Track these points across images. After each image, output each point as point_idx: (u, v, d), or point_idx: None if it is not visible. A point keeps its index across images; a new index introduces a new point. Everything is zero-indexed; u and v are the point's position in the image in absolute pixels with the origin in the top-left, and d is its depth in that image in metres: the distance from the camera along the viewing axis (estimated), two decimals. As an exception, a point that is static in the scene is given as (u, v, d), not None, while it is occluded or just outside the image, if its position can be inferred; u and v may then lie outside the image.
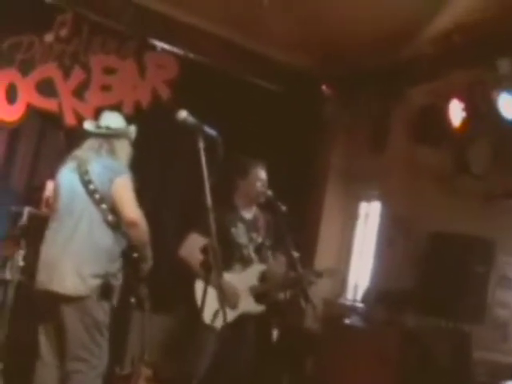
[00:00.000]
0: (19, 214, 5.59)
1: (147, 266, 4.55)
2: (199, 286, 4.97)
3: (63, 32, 6.34)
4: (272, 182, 5.72)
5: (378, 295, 6.22)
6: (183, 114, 3.78)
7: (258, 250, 5.22)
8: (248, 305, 5.09)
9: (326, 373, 5.76)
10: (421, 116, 6.49)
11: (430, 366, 5.52)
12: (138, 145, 4.82)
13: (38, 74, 6.28)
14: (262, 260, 5.23)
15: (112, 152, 4.55)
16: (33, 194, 6.06)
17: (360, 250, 7.13)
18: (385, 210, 6.69)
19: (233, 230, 5.11)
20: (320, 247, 7.09)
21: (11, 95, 6.19)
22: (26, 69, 6.24)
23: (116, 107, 6.37)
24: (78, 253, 4.29)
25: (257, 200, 5.21)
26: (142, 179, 5.97)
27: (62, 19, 6.37)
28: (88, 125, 4.66)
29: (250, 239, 5.18)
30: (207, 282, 3.83)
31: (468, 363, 5.71)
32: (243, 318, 5.05)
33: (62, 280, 4.25)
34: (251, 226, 5.23)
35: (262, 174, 5.20)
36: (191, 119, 3.77)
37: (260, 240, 5.24)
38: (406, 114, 6.61)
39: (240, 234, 5.14)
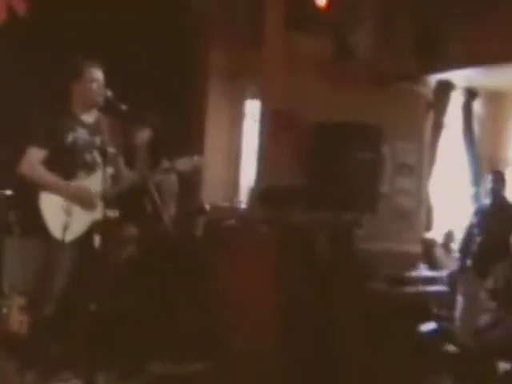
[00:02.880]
0: None
1: None
2: (44, 199, 4.71)
3: None
4: (148, 85, 5.45)
5: (262, 194, 5.96)
6: None
7: (103, 153, 4.91)
8: (99, 212, 4.82)
9: (207, 278, 5.51)
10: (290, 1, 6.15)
11: (312, 260, 5.27)
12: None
13: None
14: (109, 163, 4.93)
15: None
16: None
17: (247, 150, 6.84)
18: (265, 105, 6.37)
19: (71, 135, 4.80)
20: (207, 150, 6.81)
21: None
22: None
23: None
24: None
25: (95, 103, 4.88)
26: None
27: None
28: None
29: (93, 144, 4.87)
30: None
31: (350, 253, 5.46)
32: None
33: None
34: (93, 129, 4.91)
35: (98, 74, 4.85)
36: None
37: (105, 143, 4.93)
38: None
39: (80, 138, 4.84)
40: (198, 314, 5.46)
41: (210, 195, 6.62)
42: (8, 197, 5.64)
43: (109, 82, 4.98)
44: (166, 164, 4.97)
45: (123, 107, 4.77)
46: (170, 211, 5.26)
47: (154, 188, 4.92)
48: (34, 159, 4.71)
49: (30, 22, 6.18)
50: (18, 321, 5.32)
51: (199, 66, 6.84)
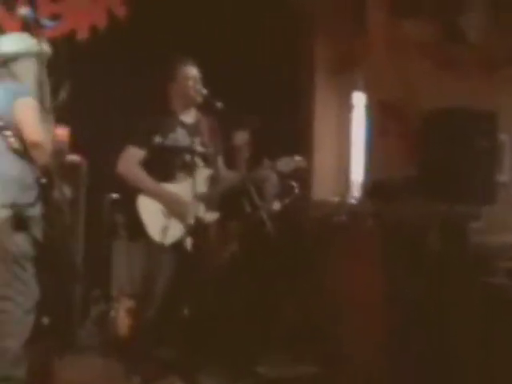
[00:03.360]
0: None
1: (61, 194, 4.26)
2: (143, 201, 4.71)
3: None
4: (251, 83, 5.91)
5: (372, 187, 5.74)
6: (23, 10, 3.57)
7: (202, 154, 4.86)
8: (198, 214, 4.75)
9: (313, 275, 5.34)
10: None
11: (422, 255, 5.01)
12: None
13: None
14: (209, 164, 4.87)
15: (13, 76, 4.28)
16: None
17: (356, 143, 6.61)
18: (371, 96, 6.14)
19: (171, 135, 4.79)
20: (316, 145, 6.62)
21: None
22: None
23: (70, 35, 6.19)
24: None
25: (193, 100, 4.85)
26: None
27: None
28: None
29: (192, 144, 4.82)
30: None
31: (465, 247, 5.15)
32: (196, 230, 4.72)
33: None
34: (193, 130, 4.89)
35: (193, 71, 4.86)
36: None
37: (204, 144, 4.88)
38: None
39: (180, 139, 4.81)
40: (304, 312, 5.31)
41: (320, 191, 6.45)
42: (114, 200, 5.66)
43: (210, 82, 4.92)
44: (266, 164, 4.86)
45: (219, 105, 4.69)
46: (271, 210, 5.13)
47: (254, 188, 4.80)
48: (132, 159, 4.76)
49: (128, 25, 6.21)
50: (125, 324, 5.34)
51: (303, 61, 6.64)
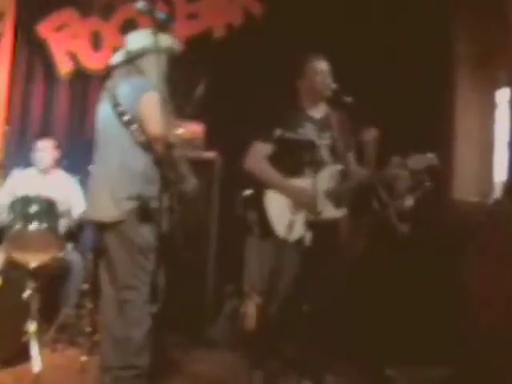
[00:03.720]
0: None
1: (187, 186, 4.30)
2: (270, 196, 4.68)
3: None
4: (392, 80, 5.84)
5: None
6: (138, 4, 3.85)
7: (332, 150, 4.78)
8: (326, 211, 4.65)
9: (448, 276, 5.14)
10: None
11: None
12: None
13: (119, 17, 6.22)
14: (338, 160, 4.78)
15: (140, 72, 4.40)
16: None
17: (499, 141, 6.30)
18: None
19: (299, 130, 4.73)
20: (457, 143, 6.35)
21: (96, 43, 6.21)
22: (106, 14, 6.21)
23: (207, 34, 6.29)
24: (111, 178, 4.25)
25: (322, 95, 4.78)
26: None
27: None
28: (114, 57, 4.56)
29: (321, 139, 4.75)
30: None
31: None
32: (323, 226, 4.62)
33: (99, 207, 4.27)
34: (322, 125, 4.81)
35: (321, 65, 4.79)
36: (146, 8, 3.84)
37: (334, 139, 4.79)
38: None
39: (308, 134, 4.74)
40: (438, 312, 5.11)
41: (461, 190, 6.21)
42: (247, 196, 5.65)
43: (342, 77, 4.83)
44: (396, 161, 4.70)
45: (348, 99, 4.59)
46: (402, 206, 4.97)
47: (381, 185, 4.67)
48: (259, 154, 4.75)
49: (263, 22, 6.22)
50: (253, 319, 5.34)
51: (445, 58, 6.40)
